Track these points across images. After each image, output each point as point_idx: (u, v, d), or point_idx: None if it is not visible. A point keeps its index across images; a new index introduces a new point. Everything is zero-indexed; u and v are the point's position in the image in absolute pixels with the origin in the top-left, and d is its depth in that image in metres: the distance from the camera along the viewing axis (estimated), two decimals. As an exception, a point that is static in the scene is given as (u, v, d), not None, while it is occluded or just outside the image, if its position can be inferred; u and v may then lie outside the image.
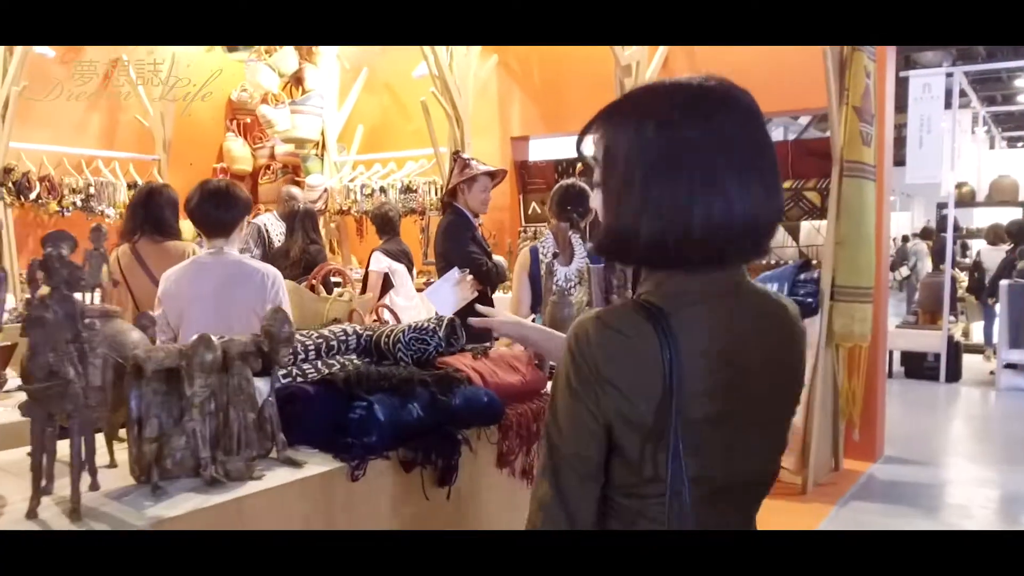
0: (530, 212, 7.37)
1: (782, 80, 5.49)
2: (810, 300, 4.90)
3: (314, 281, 4.39)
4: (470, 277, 4.26)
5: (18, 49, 6.14)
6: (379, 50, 7.73)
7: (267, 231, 6.40)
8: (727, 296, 1.11)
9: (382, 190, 7.26)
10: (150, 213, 3.90)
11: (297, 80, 7.92)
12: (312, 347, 2.05)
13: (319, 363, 2.04)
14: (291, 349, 1.64)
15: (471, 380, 2.07)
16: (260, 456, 1.70)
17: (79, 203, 6.80)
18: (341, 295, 4.26)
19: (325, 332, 2.13)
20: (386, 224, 6.04)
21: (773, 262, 5.73)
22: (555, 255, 3.34)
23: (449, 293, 4.09)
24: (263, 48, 7.48)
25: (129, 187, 6.95)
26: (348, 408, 1.83)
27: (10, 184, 6.42)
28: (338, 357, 2.10)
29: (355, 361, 2.11)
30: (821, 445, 5.07)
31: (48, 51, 6.66)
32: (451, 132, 6.69)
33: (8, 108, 6.21)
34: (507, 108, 7.32)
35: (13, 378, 4.03)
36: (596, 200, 1.16)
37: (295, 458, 1.72)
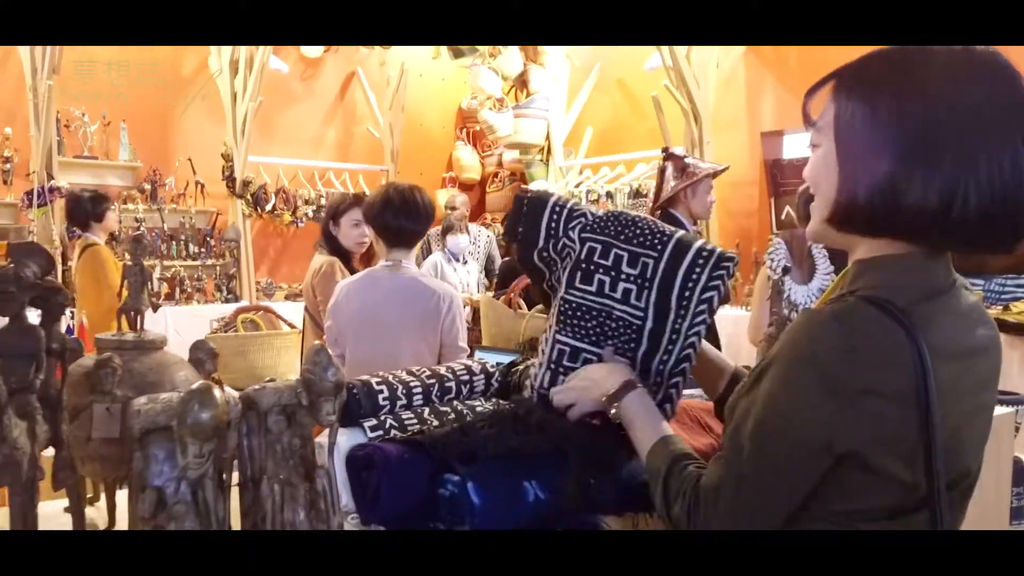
0: (783, 217, 6.49)
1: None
2: None
3: (512, 295, 3.96)
4: None
5: (256, 66, 6.34)
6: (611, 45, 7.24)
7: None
8: (947, 290, 1.05)
9: (608, 195, 6.71)
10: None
11: (522, 83, 7.60)
12: (419, 389, 1.53)
13: (426, 411, 1.51)
14: (337, 404, 1.14)
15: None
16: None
17: (311, 213, 6.92)
18: (541, 311, 3.77)
19: (441, 369, 1.60)
20: None
21: None
22: (786, 269, 2.58)
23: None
24: (487, 52, 7.23)
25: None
26: (440, 482, 1.29)
27: (248, 196, 6.65)
28: (455, 403, 1.56)
29: (479, 409, 1.56)
30: None
31: (283, 67, 6.84)
32: (687, 129, 6.08)
33: (247, 124, 6.44)
34: (756, 99, 6.60)
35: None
36: (819, 167, 1.06)
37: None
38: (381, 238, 2.81)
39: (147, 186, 6.51)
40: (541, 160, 7.56)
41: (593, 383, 1.31)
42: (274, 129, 7.10)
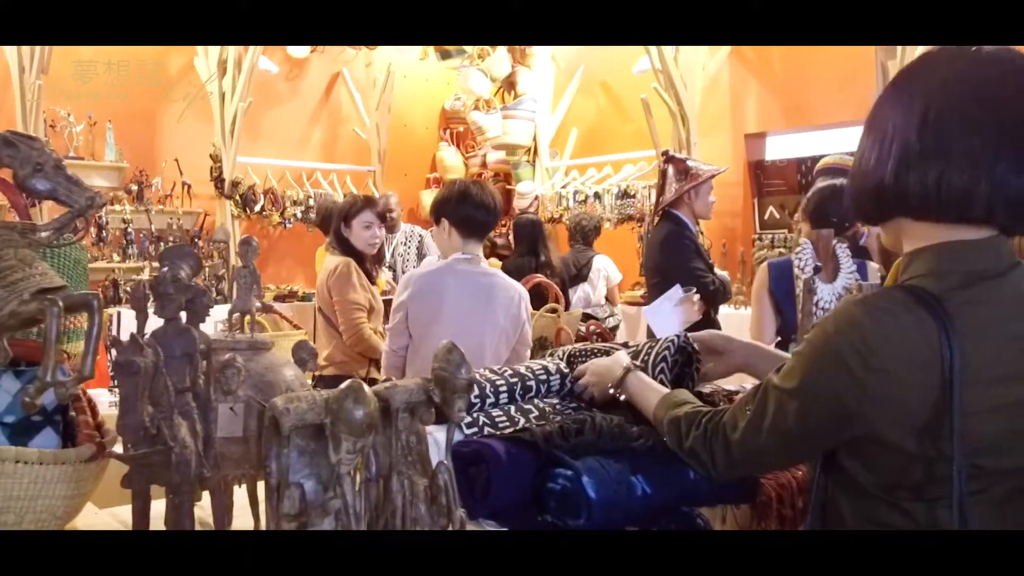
0: (767, 217, 6.63)
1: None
2: None
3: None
4: (696, 296, 3.68)
5: (245, 67, 6.32)
6: (595, 47, 7.33)
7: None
8: (999, 275, 1.08)
9: (596, 196, 6.80)
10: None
11: (510, 84, 7.66)
12: (504, 387, 1.59)
13: (512, 408, 1.57)
14: (468, 400, 1.20)
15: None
16: (432, 537, 1.28)
17: (299, 215, 6.91)
18: (553, 311, 3.83)
19: (521, 369, 1.67)
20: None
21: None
22: (816, 269, 2.69)
23: (672, 314, 3.51)
24: (476, 54, 7.29)
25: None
26: (548, 476, 1.36)
27: (237, 197, 6.62)
28: (536, 401, 1.63)
29: (558, 407, 1.63)
30: None
31: (272, 67, 6.82)
32: (674, 131, 6.16)
33: (236, 124, 6.41)
34: (741, 102, 6.70)
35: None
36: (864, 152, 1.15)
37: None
38: (458, 231, 2.77)
39: (134, 187, 6.44)
40: (528, 161, 7.64)
41: (600, 377, 1.57)
42: (260, 129, 7.07)
